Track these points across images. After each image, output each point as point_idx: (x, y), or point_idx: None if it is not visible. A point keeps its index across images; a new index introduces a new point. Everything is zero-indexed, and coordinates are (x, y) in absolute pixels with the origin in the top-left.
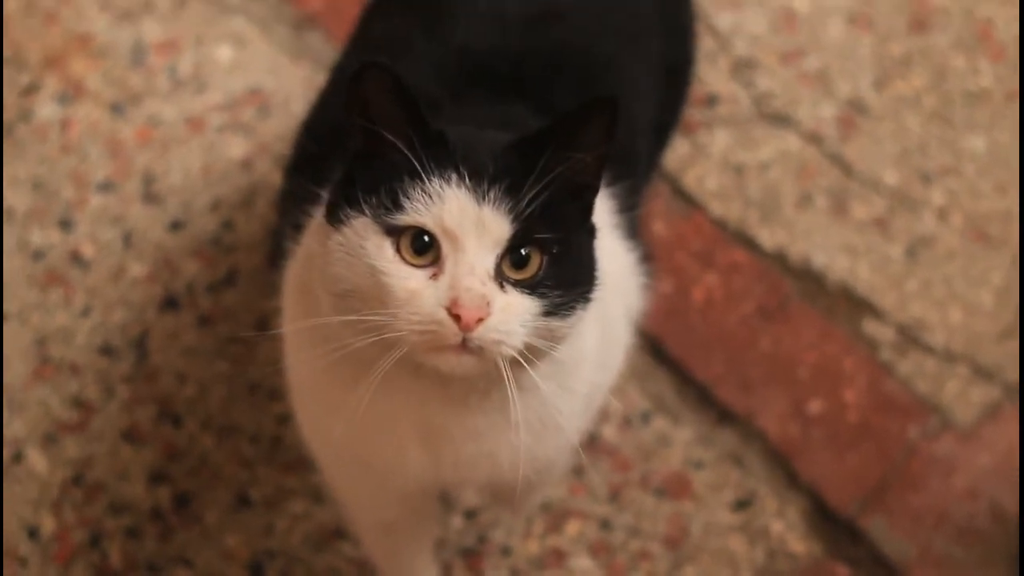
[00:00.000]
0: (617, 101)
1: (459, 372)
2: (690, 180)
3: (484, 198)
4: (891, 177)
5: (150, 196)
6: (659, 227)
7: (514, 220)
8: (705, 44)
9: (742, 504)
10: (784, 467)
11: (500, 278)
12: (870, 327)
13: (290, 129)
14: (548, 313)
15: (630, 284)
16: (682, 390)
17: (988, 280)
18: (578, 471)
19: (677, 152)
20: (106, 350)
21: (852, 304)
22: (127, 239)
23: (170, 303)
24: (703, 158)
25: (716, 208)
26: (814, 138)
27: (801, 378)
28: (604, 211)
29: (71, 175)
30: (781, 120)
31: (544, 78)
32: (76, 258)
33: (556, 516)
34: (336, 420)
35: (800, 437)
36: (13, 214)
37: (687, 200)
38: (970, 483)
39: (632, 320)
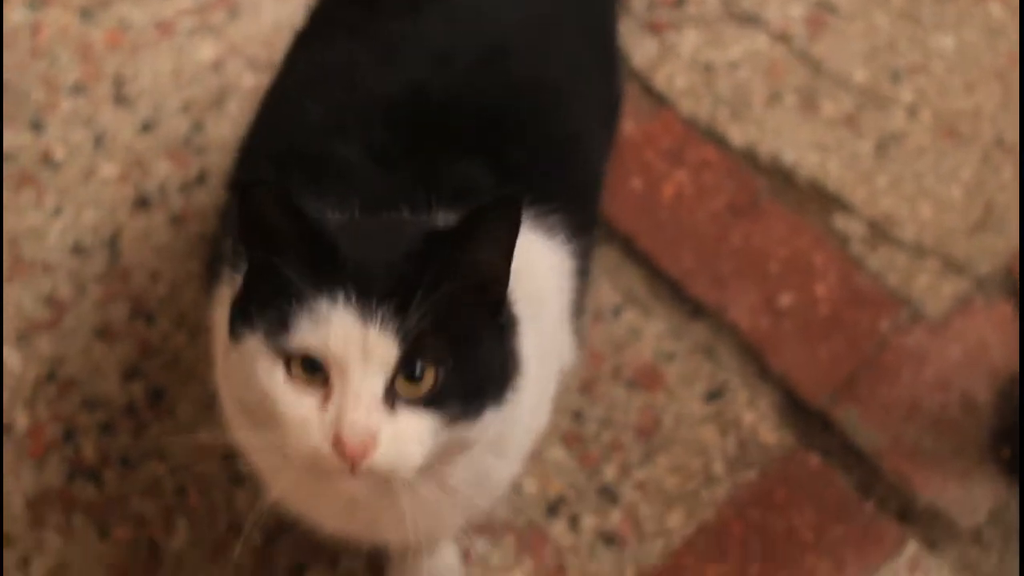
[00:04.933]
0: (519, 199)
1: (359, 496)
2: (659, 79)
3: (371, 318)
4: (860, 75)
5: (120, 98)
6: (628, 126)
7: (403, 340)
8: None
9: (713, 395)
10: (755, 359)
11: (392, 398)
12: (840, 222)
13: (259, 31)
14: (453, 421)
15: (564, 341)
16: (653, 284)
17: (957, 176)
18: None
19: (646, 52)
20: (78, 249)
21: (822, 200)
22: (98, 140)
23: (142, 203)
24: (672, 57)
25: (686, 106)
26: (783, 37)
27: (772, 272)
28: (562, 275)
29: (41, 79)
30: (750, 19)
31: (496, 127)
32: (47, 159)
33: None
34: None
35: (771, 330)
36: None
37: (656, 99)
38: (941, 374)
39: (560, 375)
